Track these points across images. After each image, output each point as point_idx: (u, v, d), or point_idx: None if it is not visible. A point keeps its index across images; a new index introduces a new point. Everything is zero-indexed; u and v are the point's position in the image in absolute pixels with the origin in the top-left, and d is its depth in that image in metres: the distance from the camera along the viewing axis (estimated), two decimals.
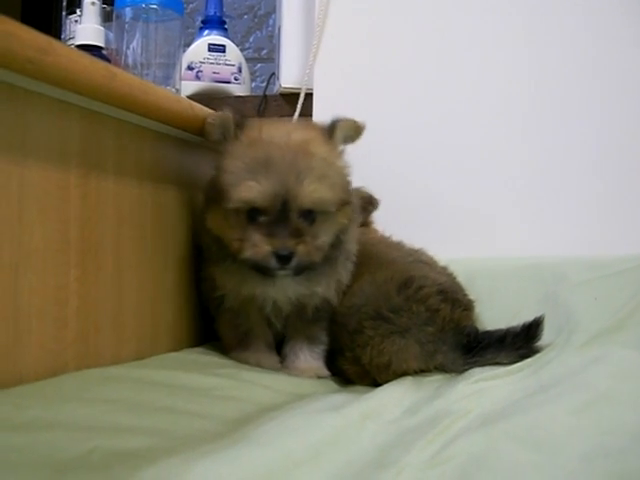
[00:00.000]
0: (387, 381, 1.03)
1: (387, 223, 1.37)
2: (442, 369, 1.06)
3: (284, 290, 1.07)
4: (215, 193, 1.02)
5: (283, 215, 0.99)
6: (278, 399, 0.93)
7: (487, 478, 0.60)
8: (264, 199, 0.98)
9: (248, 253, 1.00)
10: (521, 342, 1.05)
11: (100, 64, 0.85)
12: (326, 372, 1.14)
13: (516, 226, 1.47)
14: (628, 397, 0.80)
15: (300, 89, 1.64)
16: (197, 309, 1.20)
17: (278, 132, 1.02)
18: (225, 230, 1.03)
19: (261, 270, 1.02)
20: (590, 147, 1.44)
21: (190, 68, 1.80)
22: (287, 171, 0.98)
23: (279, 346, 1.17)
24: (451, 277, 1.20)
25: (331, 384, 1.10)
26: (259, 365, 1.09)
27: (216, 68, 1.82)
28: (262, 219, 1.00)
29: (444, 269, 1.22)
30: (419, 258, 1.21)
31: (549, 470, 0.62)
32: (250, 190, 0.98)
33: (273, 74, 1.82)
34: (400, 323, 1.06)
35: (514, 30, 1.50)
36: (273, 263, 0.99)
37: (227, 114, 1.04)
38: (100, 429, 0.67)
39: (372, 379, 1.06)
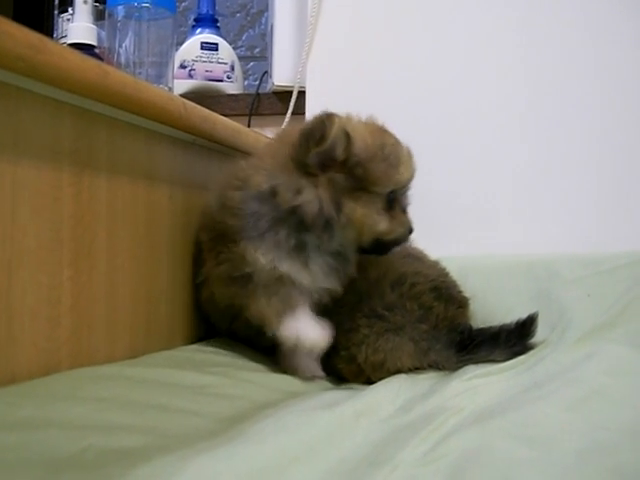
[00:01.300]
0: (381, 379, 1.03)
1: None
2: (436, 367, 1.06)
3: (317, 272, 1.05)
4: (359, 182, 1.00)
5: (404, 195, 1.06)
6: (273, 397, 0.93)
7: (481, 474, 0.60)
8: (410, 179, 1.05)
9: (398, 232, 1.04)
10: (515, 339, 1.06)
11: (92, 62, 0.85)
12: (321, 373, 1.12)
13: (510, 224, 1.47)
14: (621, 393, 0.81)
15: (293, 87, 1.64)
16: (191, 307, 1.20)
17: (361, 123, 1.05)
18: (371, 216, 1.01)
19: (385, 249, 1.06)
20: (586, 144, 1.44)
21: (183, 66, 1.80)
22: (408, 154, 1.05)
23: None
24: (444, 272, 1.20)
25: (325, 382, 1.10)
26: (311, 347, 1.03)
27: (209, 66, 1.82)
28: (394, 200, 1.04)
29: (436, 263, 1.22)
30: (409, 253, 1.21)
31: (543, 466, 0.62)
32: (404, 170, 1.03)
33: (266, 72, 1.82)
34: (394, 321, 1.06)
35: (511, 28, 1.50)
36: (405, 239, 1.07)
37: (339, 126, 0.98)
38: (94, 428, 0.66)
39: (366, 377, 1.06)
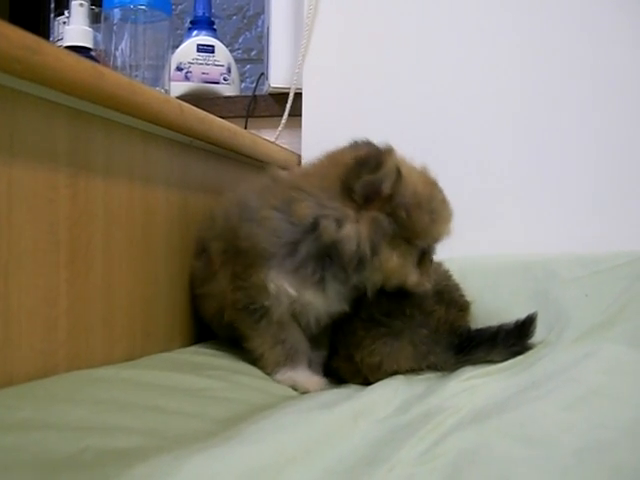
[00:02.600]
0: (379, 380, 1.03)
1: None
2: (434, 368, 1.06)
3: (333, 299, 1.05)
4: (400, 229, 0.99)
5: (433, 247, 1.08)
6: (270, 400, 0.93)
7: (479, 474, 0.60)
8: (447, 236, 1.06)
9: (425, 286, 1.05)
10: (513, 340, 1.05)
11: (88, 63, 0.85)
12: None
13: (508, 224, 1.47)
14: (619, 392, 0.81)
15: (289, 89, 1.64)
16: (189, 309, 1.20)
17: (415, 169, 1.04)
18: (404, 267, 1.02)
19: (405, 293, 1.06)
20: (583, 145, 1.45)
21: (179, 69, 1.80)
22: (451, 213, 1.05)
23: None
24: (447, 275, 1.20)
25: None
26: (306, 391, 1.03)
27: (205, 69, 1.82)
28: (425, 253, 1.06)
29: (439, 265, 1.19)
30: None
31: (541, 465, 0.62)
32: (446, 228, 1.04)
33: (262, 74, 1.82)
34: (394, 326, 1.06)
35: (508, 28, 1.50)
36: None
37: (394, 162, 0.97)
38: (91, 429, 0.66)
39: (364, 377, 1.06)
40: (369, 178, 0.95)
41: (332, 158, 1.04)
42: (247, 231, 1.02)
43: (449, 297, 1.12)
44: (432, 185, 1.04)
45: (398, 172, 0.96)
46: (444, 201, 1.04)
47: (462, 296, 1.17)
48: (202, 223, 1.19)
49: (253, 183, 1.11)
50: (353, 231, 0.97)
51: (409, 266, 1.02)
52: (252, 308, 1.04)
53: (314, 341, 1.10)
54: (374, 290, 1.04)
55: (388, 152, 0.96)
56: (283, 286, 1.00)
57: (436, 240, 1.05)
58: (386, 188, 0.96)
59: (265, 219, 1.00)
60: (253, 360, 1.09)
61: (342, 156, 1.02)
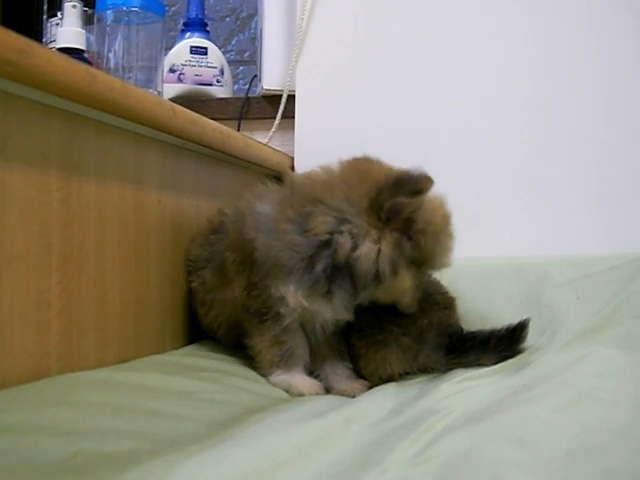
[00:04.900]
0: (377, 385, 1.06)
1: None
2: (425, 370, 1.07)
3: (339, 309, 1.06)
4: (418, 254, 1.01)
5: None
6: (263, 402, 0.93)
7: (471, 476, 0.60)
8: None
9: (413, 307, 1.07)
10: (505, 345, 1.06)
11: (80, 66, 0.85)
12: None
13: (501, 227, 1.47)
14: (611, 395, 0.81)
15: (282, 91, 1.64)
16: (180, 311, 1.20)
17: (435, 197, 1.05)
18: (413, 289, 1.05)
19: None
20: (578, 148, 1.44)
21: (172, 71, 1.80)
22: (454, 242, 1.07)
23: None
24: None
25: None
26: (301, 394, 1.03)
27: (198, 70, 1.81)
28: None
29: None
30: None
31: (533, 468, 0.62)
32: (450, 260, 1.07)
33: (255, 76, 1.82)
34: (380, 338, 1.08)
35: (510, 29, 1.50)
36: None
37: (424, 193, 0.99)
38: (84, 432, 0.66)
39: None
40: (405, 200, 0.96)
41: (360, 171, 1.03)
42: (264, 243, 1.02)
43: (430, 300, 1.13)
44: (448, 217, 1.06)
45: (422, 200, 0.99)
46: (453, 234, 1.06)
47: (445, 293, 1.18)
48: (205, 232, 1.20)
49: (267, 191, 1.11)
50: (373, 249, 0.97)
51: (412, 290, 1.05)
52: (263, 311, 1.05)
53: (318, 347, 1.11)
54: (369, 303, 1.05)
55: (429, 180, 0.97)
56: (299, 299, 1.01)
57: (438, 269, 1.09)
58: (412, 211, 0.98)
59: (284, 233, 1.01)
60: (247, 361, 1.10)
61: (372, 171, 1.02)
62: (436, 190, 1.01)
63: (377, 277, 0.98)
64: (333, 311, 1.04)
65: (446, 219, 1.05)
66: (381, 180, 0.98)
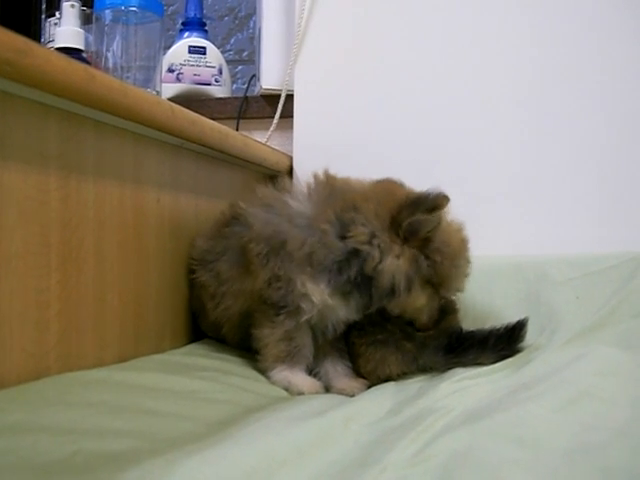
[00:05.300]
0: (376, 384, 1.07)
1: None
2: (425, 370, 1.08)
3: (353, 310, 1.07)
4: (434, 274, 1.05)
5: None
6: (262, 402, 0.93)
7: (470, 475, 0.60)
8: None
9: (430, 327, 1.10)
10: (504, 344, 1.06)
11: (78, 65, 0.84)
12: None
13: (500, 226, 1.47)
14: (610, 394, 0.81)
15: (281, 90, 1.64)
16: (180, 310, 1.20)
17: (455, 222, 1.10)
18: (426, 309, 1.08)
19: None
20: (576, 147, 1.44)
21: (170, 70, 1.80)
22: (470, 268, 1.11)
23: None
24: None
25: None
26: (300, 393, 1.04)
27: (197, 70, 1.81)
28: None
29: None
30: None
31: (532, 466, 0.62)
32: (464, 285, 1.11)
33: (254, 76, 1.82)
34: (380, 337, 1.08)
35: (507, 29, 1.50)
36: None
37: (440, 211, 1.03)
38: (83, 432, 0.66)
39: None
40: (422, 217, 1.01)
41: (386, 190, 1.08)
42: (299, 238, 1.04)
43: None
44: (465, 242, 1.09)
45: (440, 218, 1.03)
46: (469, 260, 1.09)
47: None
48: (216, 225, 1.21)
49: (297, 187, 1.13)
50: (394, 265, 1.01)
51: (429, 310, 1.08)
52: (281, 305, 1.06)
53: (323, 348, 1.12)
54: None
55: (445, 197, 1.01)
56: (325, 297, 1.03)
57: (454, 293, 1.12)
58: (430, 230, 1.02)
59: (324, 233, 1.03)
60: (247, 360, 1.11)
61: (396, 191, 1.07)
62: (454, 214, 1.08)
63: (392, 291, 1.02)
64: (348, 312, 1.05)
65: (464, 243, 1.09)
66: (402, 199, 1.03)
